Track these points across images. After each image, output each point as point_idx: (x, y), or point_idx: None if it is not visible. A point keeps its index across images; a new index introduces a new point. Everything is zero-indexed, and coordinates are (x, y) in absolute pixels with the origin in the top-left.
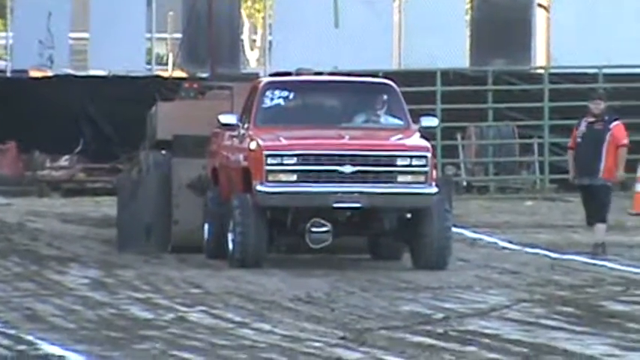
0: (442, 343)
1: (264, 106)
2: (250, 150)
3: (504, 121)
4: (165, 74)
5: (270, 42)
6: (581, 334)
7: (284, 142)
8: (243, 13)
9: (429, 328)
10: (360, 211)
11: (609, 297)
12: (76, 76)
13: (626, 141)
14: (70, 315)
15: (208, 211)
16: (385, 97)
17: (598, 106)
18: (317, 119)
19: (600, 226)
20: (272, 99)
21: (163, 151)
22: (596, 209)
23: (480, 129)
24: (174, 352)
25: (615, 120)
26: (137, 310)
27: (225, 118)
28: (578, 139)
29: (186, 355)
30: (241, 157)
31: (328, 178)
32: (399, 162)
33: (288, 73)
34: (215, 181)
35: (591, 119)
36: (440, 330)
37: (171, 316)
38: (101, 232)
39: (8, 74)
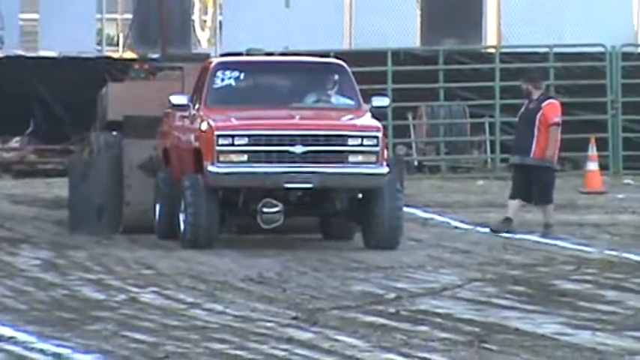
0: (394, 323)
1: (215, 86)
2: (201, 131)
3: (455, 100)
4: (115, 55)
5: (221, 22)
6: (533, 313)
7: (235, 122)
8: None
9: (380, 307)
10: (311, 191)
11: (561, 276)
12: (26, 57)
13: (557, 119)
14: (21, 296)
15: (159, 192)
16: (336, 77)
17: (523, 87)
18: (268, 100)
19: (550, 207)
20: (223, 79)
21: (114, 132)
22: (536, 189)
23: (431, 108)
24: (126, 333)
25: (548, 99)
26: (89, 291)
27: (176, 99)
28: (517, 119)
29: (138, 335)
30: (192, 137)
31: (279, 159)
32: (350, 142)
33: (239, 54)
34: (166, 161)
35: (529, 99)
36: (392, 310)
37: (122, 297)
38: (52, 213)
39: None
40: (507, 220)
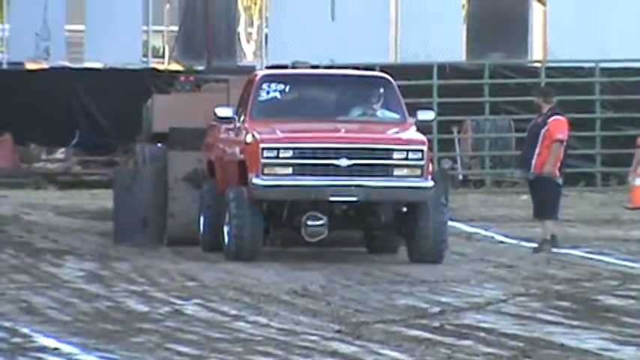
0: (438, 337)
1: (260, 99)
2: (246, 143)
3: (501, 114)
4: (161, 67)
5: (267, 35)
6: (577, 329)
7: (280, 135)
8: (240, 5)
9: (425, 321)
10: (356, 205)
11: (605, 291)
12: (71, 69)
13: (560, 136)
14: (65, 307)
15: (204, 204)
16: (382, 90)
17: (537, 101)
18: (313, 112)
19: (547, 223)
20: (268, 92)
21: (159, 144)
22: (539, 204)
23: (477, 122)
24: (170, 346)
25: (555, 115)
26: (133, 302)
27: (222, 111)
28: (526, 134)
29: (181, 348)
30: (237, 150)
31: (324, 172)
32: (396, 155)
33: (285, 66)
34: (211, 174)
35: (538, 114)
36: (436, 324)
37: (166, 309)
38: (97, 224)
39: (4, 66)
40: (545, 241)
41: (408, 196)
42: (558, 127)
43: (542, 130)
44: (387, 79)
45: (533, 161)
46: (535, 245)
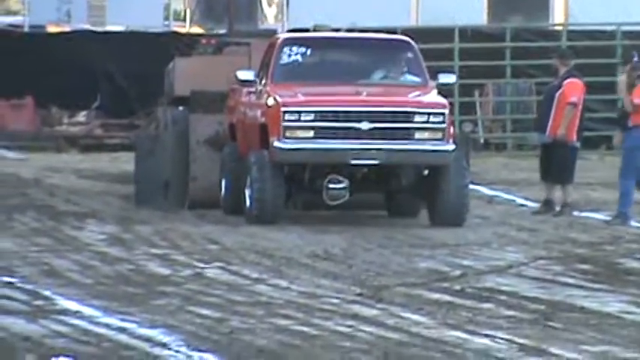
0: (459, 300)
1: (281, 62)
2: (268, 106)
3: (522, 78)
4: (182, 30)
5: None
6: (599, 292)
7: (301, 98)
8: None
9: (446, 285)
10: (377, 168)
11: (627, 254)
12: (93, 32)
13: (573, 99)
14: (87, 270)
15: (225, 167)
16: (403, 54)
17: (555, 63)
18: (334, 76)
19: (567, 187)
20: (290, 55)
21: (181, 107)
22: (555, 169)
23: (498, 86)
24: (191, 308)
25: (570, 77)
26: (154, 266)
27: (243, 75)
28: (541, 98)
29: (203, 311)
30: (259, 113)
31: (345, 135)
32: (417, 119)
33: (306, 30)
34: (232, 137)
35: (555, 77)
36: (457, 287)
37: (188, 272)
38: (118, 188)
39: (26, 29)
40: (547, 202)
41: (430, 159)
42: (572, 89)
43: (557, 93)
44: (409, 42)
45: (549, 124)
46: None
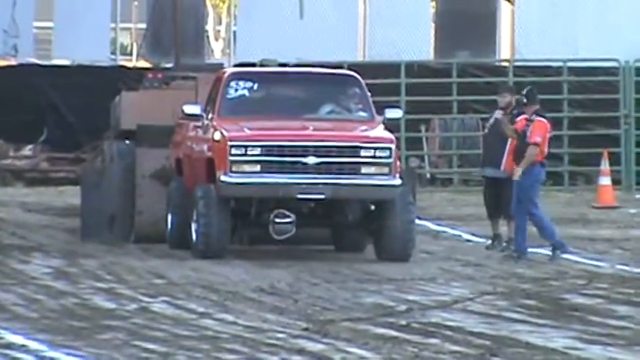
0: (405, 335)
1: (228, 96)
2: (214, 140)
3: (468, 113)
4: (129, 64)
5: (235, 32)
6: (544, 327)
7: (248, 132)
8: (208, 3)
9: (392, 320)
10: (323, 202)
11: (572, 290)
12: (40, 66)
13: (537, 139)
14: (32, 304)
15: (172, 202)
16: (350, 88)
17: (504, 99)
18: (281, 110)
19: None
20: (236, 90)
21: (127, 141)
22: (506, 203)
23: (444, 121)
24: (137, 343)
25: (521, 114)
26: (100, 299)
27: (190, 109)
28: (486, 131)
29: (149, 345)
30: (205, 147)
31: (292, 169)
32: (363, 153)
33: (253, 64)
34: (179, 171)
35: (500, 112)
36: (403, 322)
37: (134, 306)
38: (64, 221)
39: None
40: (497, 237)
41: (376, 193)
42: (536, 129)
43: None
44: (355, 77)
45: (504, 160)
46: (489, 243)
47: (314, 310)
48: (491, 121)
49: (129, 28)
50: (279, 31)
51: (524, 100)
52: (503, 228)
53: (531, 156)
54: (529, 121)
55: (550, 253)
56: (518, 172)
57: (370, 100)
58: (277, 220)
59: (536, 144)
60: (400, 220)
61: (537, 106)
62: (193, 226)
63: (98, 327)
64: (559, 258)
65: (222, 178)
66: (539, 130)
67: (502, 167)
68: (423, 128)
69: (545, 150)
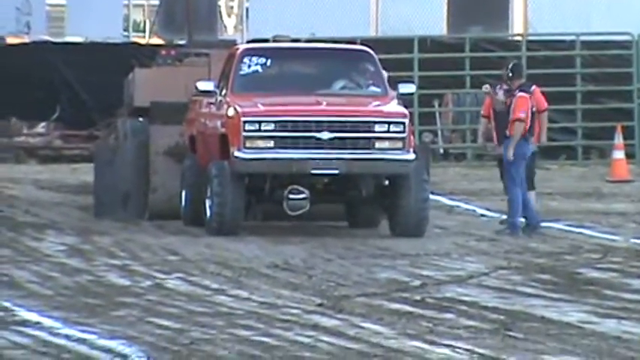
0: (419, 310)
1: (241, 73)
2: (228, 116)
3: (482, 88)
4: (142, 41)
5: (247, 9)
6: (559, 301)
7: (261, 108)
8: None
9: (406, 295)
10: (337, 178)
11: (586, 264)
12: (53, 43)
13: (521, 115)
14: (47, 281)
15: (186, 179)
16: (363, 64)
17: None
18: (295, 86)
19: (532, 193)
20: (249, 66)
21: (141, 118)
22: (527, 177)
23: (458, 96)
24: (151, 319)
25: (532, 86)
26: (114, 277)
27: (203, 85)
28: (496, 107)
29: (163, 322)
30: (219, 123)
31: (306, 145)
32: (377, 128)
33: (265, 40)
34: (192, 148)
35: (506, 87)
36: (417, 297)
37: (148, 283)
38: (78, 199)
39: None
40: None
41: (390, 168)
42: (542, 97)
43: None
44: (369, 52)
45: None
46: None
47: (328, 286)
48: (500, 97)
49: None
50: (291, 7)
51: (510, 74)
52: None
53: (517, 132)
54: (512, 96)
55: (502, 225)
56: (509, 151)
57: (384, 75)
58: (291, 196)
59: (519, 119)
60: (414, 196)
61: (522, 81)
62: (207, 203)
63: (112, 304)
64: (503, 234)
65: (236, 153)
66: (523, 106)
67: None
68: (436, 103)
69: (528, 125)
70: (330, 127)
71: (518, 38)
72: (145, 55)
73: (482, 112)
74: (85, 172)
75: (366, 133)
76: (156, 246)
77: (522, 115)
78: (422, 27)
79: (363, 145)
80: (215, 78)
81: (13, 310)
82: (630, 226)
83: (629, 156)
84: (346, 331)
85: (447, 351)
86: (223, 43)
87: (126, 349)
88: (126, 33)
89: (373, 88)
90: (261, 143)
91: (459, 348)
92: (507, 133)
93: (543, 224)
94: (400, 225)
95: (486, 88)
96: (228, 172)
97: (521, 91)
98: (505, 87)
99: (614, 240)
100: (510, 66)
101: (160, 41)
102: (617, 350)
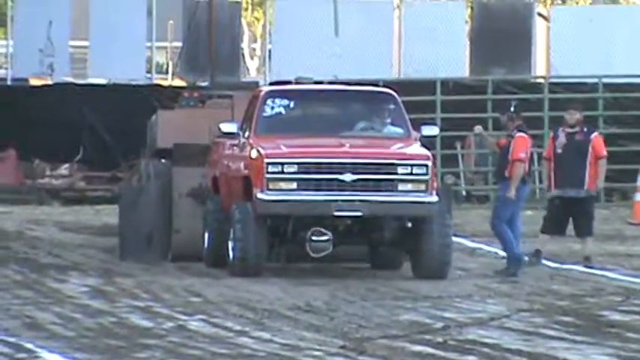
0: (442, 353)
1: (264, 114)
2: (251, 158)
3: (504, 130)
4: (164, 83)
5: (270, 51)
6: (581, 344)
7: (285, 150)
8: (243, 21)
9: (428, 337)
10: (360, 220)
11: (609, 307)
12: (76, 85)
13: (605, 152)
14: (69, 323)
15: (208, 220)
16: (386, 106)
17: (573, 116)
18: (318, 128)
19: (589, 239)
20: (273, 108)
21: (164, 160)
22: (584, 222)
23: (480, 138)
24: None
25: (594, 131)
26: (137, 318)
27: (226, 127)
28: (559, 150)
29: None
30: (242, 165)
31: (329, 187)
32: (400, 170)
33: (288, 82)
34: (215, 189)
35: (569, 130)
36: (439, 339)
37: (170, 324)
38: (100, 240)
39: (9, 82)
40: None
41: (413, 210)
42: (602, 143)
43: (589, 147)
44: (392, 94)
45: (586, 178)
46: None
47: (350, 328)
48: (562, 140)
49: (164, 47)
50: (314, 49)
51: (514, 115)
52: (576, 246)
53: (518, 173)
54: (510, 137)
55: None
56: (511, 192)
57: (406, 117)
58: (314, 237)
59: (519, 160)
60: (437, 238)
61: (520, 122)
62: (230, 245)
63: (135, 345)
64: (514, 271)
65: (259, 195)
66: (522, 146)
67: (585, 186)
68: (458, 145)
69: (527, 166)
70: (353, 169)
71: (541, 80)
72: (168, 96)
73: (544, 154)
74: (108, 214)
75: (389, 175)
76: (178, 287)
77: (522, 156)
78: (444, 69)
79: (386, 187)
80: (238, 120)
81: (35, 352)
82: None
83: None
84: None
85: None
86: (246, 84)
87: None
88: (149, 75)
89: (396, 130)
90: (284, 185)
91: None
92: (506, 173)
93: (565, 266)
94: (423, 267)
95: (478, 129)
96: (251, 213)
97: (519, 131)
98: (567, 130)
99: (636, 282)
100: (514, 105)
101: (182, 83)
102: None
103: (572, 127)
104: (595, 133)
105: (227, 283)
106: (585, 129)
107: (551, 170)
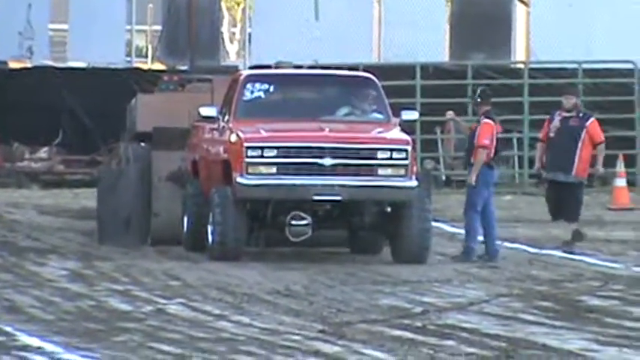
0: (421, 337)
1: (244, 98)
2: (230, 142)
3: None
4: (144, 66)
5: (250, 35)
6: (560, 329)
7: (264, 134)
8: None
9: (407, 321)
10: (340, 204)
11: (588, 292)
12: (55, 68)
13: (603, 137)
14: (48, 306)
15: (188, 204)
16: (366, 90)
17: (570, 100)
18: (297, 112)
19: (574, 225)
20: (252, 92)
21: (143, 144)
22: (571, 207)
23: (455, 123)
24: (153, 345)
25: (590, 117)
26: (116, 302)
27: (206, 111)
28: (551, 134)
29: (164, 347)
30: (221, 149)
31: (308, 171)
32: (380, 155)
33: (268, 66)
34: (195, 173)
35: (565, 114)
36: (419, 324)
37: (149, 308)
38: (79, 224)
39: None
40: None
41: (392, 195)
42: (598, 128)
43: (582, 133)
44: (372, 78)
45: (575, 163)
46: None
47: (329, 313)
48: (556, 124)
49: (144, 31)
50: (293, 33)
51: (478, 100)
52: (555, 231)
53: (480, 159)
54: (477, 122)
55: (484, 254)
56: (471, 178)
57: (386, 101)
58: (293, 222)
59: (483, 146)
60: (416, 223)
61: (488, 108)
62: (209, 229)
63: (114, 329)
64: (462, 261)
65: (239, 179)
66: (486, 133)
67: (574, 172)
68: (438, 130)
69: (492, 152)
70: (333, 153)
71: (520, 66)
72: (147, 80)
73: (540, 136)
74: (87, 197)
75: (368, 159)
76: (157, 271)
77: (486, 142)
78: (424, 54)
79: (366, 172)
80: (218, 104)
81: (14, 335)
82: (631, 253)
83: (631, 184)
84: (347, 357)
85: None
86: (226, 68)
87: None
88: (128, 58)
89: (376, 115)
90: (263, 169)
91: None
92: (472, 159)
93: (544, 251)
94: (402, 252)
95: (450, 114)
96: (230, 197)
97: (486, 117)
98: (564, 114)
99: (615, 268)
100: (479, 91)
101: (162, 67)
102: None
103: (568, 111)
104: (591, 119)
105: (206, 267)
106: (581, 114)
107: (543, 153)
